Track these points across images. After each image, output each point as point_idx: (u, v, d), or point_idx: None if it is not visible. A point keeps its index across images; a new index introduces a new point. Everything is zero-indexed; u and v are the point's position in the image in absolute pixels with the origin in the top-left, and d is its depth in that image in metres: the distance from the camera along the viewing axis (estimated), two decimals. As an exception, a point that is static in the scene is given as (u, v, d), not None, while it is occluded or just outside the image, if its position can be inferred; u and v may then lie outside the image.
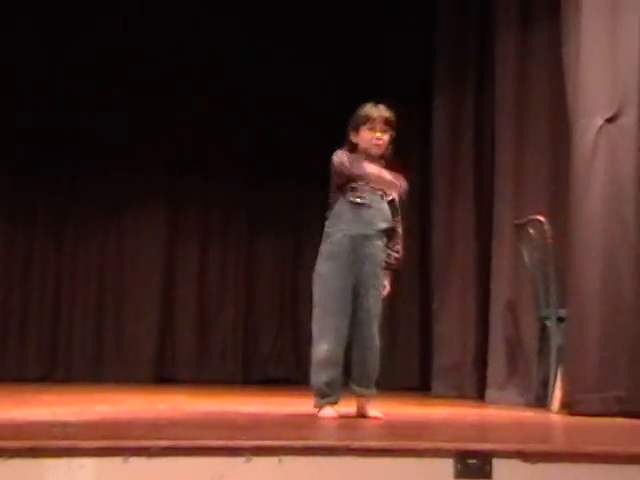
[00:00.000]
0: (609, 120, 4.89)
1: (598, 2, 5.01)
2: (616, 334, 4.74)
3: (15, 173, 8.26)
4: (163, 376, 8.19)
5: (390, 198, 4.30)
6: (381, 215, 4.25)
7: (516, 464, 2.74)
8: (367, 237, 4.21)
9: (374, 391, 4.29)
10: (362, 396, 4.27)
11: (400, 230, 4.36)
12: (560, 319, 5.40)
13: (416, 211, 7.27)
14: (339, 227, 4.23)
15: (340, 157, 4.25)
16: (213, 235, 8.58)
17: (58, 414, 4.03)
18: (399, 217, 4.36)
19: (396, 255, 4.32)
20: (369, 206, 4.22)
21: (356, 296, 4.20)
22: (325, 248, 4.25)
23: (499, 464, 2.74)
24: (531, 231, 5.71)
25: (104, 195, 8.39)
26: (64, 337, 8.23)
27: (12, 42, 8.18)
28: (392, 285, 4.35)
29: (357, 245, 4.20)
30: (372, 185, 4.25)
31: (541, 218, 5.62)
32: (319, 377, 4.18)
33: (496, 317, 6.23)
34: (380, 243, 4.25)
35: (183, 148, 8.47)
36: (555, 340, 5.45)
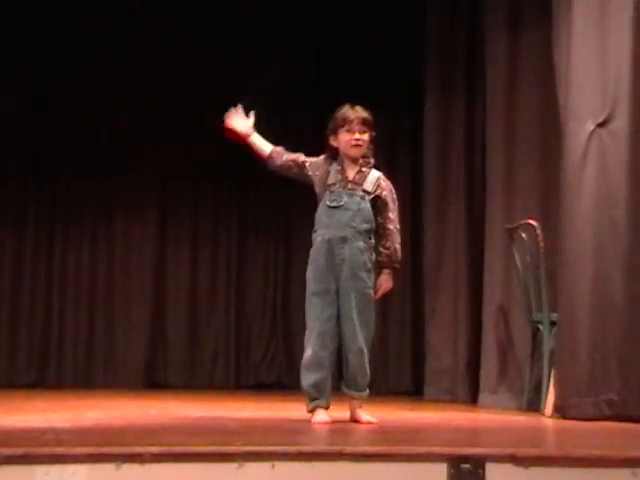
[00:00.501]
0: (600, 125, 4.89)
1: (589, 3, 5.02)
2: (607, 337, 4.74)
3: (4, 177, 8.23)
4: (154, 381, 8.17)
5: (374, 196, 4.29)
6: (361, 216, 4.25)
7: (509, 468, 2.75)
8: (344, 239, 4.21)
9: (364, 393, 4.29)
10: (353, 398, 4.28)
11: (391, 226, 4.33)
12: (552, 323, 5.41)
13: (407, 214, 7.25)
14: (319, 231, 4.28)
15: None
16: (203, 240, 8.56)
17: (51, 420, 4.02)
18: (389, 214, 4.32)
19: (386, 252, 4.30)
20: (346, 208, 4.23)
21: (339, 298, 4.22)
22: (310, 252, 4.30)
23: (492, 468, 2.74)
24: (523, 235, 5.72)
25: (94, 200, 8.36)
26: (55, 343, 8.19)
27: (3, 43, 8.14)
28: (394, 282, 4.35)
29: (334, 248, 4.22)
30: (351, 186, 4.26)
31: (533, 222, 5.64)
32: (306, 379, 4.22)
33: (488, 321, 6.22)
34: (362, 244, 4.24)
35: (173, 153, 8.44)
36: (547, 344, 5.46)
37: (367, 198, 4.27)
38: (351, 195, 4.26)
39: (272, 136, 8.31)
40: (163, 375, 8.27)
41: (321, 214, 4.28)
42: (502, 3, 6.32)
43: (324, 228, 4.25)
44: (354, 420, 4.24)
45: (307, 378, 4.20)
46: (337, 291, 4.22)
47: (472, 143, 6.90)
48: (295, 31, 8.48)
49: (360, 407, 4.28)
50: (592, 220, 4.86)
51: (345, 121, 4.28)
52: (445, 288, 6.89)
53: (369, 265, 4.26)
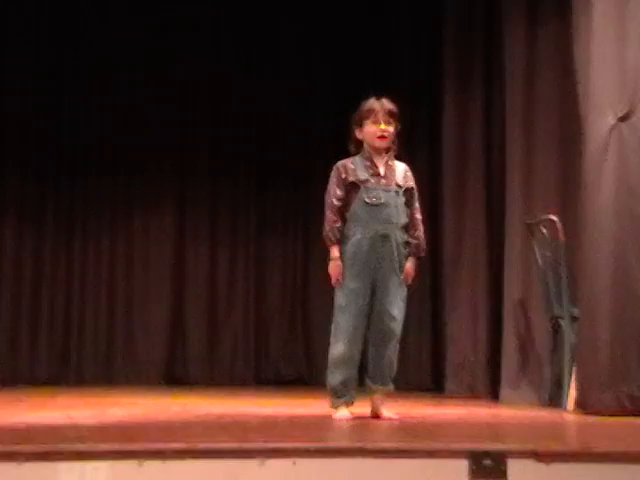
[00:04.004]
0: (621, 119, 4.86)
1: (608, -2, 5.00)
2: (628, 332, 4.72)
3: (25, 175, 8.27)
4: (174, 378, 8.19)
5: (404, 189, 4.30)
6: (398, 211, 4.26)
7: (531, 464, 2.74)
8: (386, 236, 4.22)
9: (391, 387, 4.30)
10: (378, 392, 4.27)
11: (418, 216, 4.36)
12: (573, 317, 5.38)
13: (425, 208, 7.21)
14: (356, 229, 4.23)
15: (330, 188, 4.28)
16: (222, 236, 8.58)
17: (73, 417, 4.04)
18: (416, 204, 4.36)
19: (415, 242, 4.32)
20: (386, 205, 4.23)
21: (375, 294, 4.22)
22: (343, 250, 4.25)
23: (514, 464, 2.73)
24: (543, 230, 5.70)
25: (113, 195, 8.40)
26: (75, 339, 8.24)
27: (24, 38, 8.20)
28: (417, 272, 4.35)
29: (375, 245, 4.21)
30: (385, 182, 4.26)
31: (553, 217, 5.61)
32: (335, 377, 4.21)
33: (508, 316, 6.20)
34: (400, 240, 4.26)
35: (191, 150, 8.49)
36: (568, 338, 5.43)
37: (400, 192, 4.28)
38: (387, 191, 4.25)
39: (290, 133, 8.42)
40: (183, 371, 8.30)
41: (359, 211, 4.24)
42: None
43: (363, 226, 4.22)
44: (375, 416, 4.24)
45: (336, 376, 4.21)
46: (372, 287, 4.22)
47: (491, 136, 6.87)
48: (309, 25, 8.51)
49: (382, 403, 4.28)
50: (612, 214, 4.83)
51: (371, 112, 4.27)
52: (465, 283, 6.87)
53: (403, 260, 4.29)
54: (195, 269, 8.51)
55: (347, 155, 4.37)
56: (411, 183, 4.35)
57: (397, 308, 4.26)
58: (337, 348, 4.20)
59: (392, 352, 4.26)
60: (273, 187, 8.61)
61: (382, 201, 4.22)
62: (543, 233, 5.70)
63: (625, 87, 4.89)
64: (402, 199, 4.28)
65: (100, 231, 8.41)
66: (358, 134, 4.33)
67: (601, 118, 4.93)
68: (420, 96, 7.88)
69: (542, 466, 2.74)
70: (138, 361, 8.22)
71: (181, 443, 2.75)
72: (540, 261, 5.74)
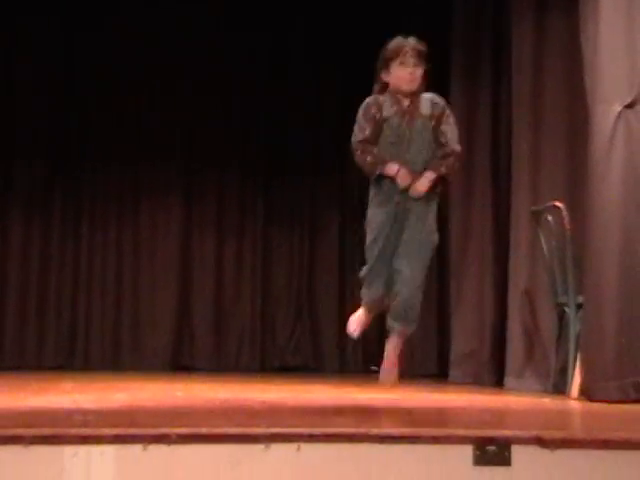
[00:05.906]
0: (628, 106, 4.86)
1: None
2: (634, 321, 4.72)
3: (32, 166, 8.28)
4: (181, 365, 8.21)
5: (432, 116, 4.05)
6: (424, 145, 4.03)
7: (535, 451, 2.75)
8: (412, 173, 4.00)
9: (412, 326, 4.12)
10: (395, 332, 4.10)
11: (455, 147, 4.06)
12: (579, 306, 5.38)
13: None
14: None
15: (356, 128, 4.08)
16: (229, 225, 8.57)
17: (78, 402, 4.05)
18: (450, 134, 4.07)
19: (436, 160, 4.04)
20: (409, 141, 4.01)
21: (402, 235, 4.05)
22: (371, 194, 4.10)
23: (518, 451, 2.74)
24: (549, 218, 5.69)
25: (120, 188, 8.40)
26: (82, 326, 8.25)
27: (30, 34, 8.21)
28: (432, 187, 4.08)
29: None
30: (409, 118, 4.03)
31: (559, 205, 5.61)
32: (364, 293, 4.20)
33: (514, 304, 6.20)
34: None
35: (198, 141, 8.48)
36: (574, 327, 5.44)
37: (427, 124, 4.03)
38: (411, 126, 4.01)
39: (298, 128, 8.41)
40: (189, 359, 8.31)
41: (382, 151, 4.01)
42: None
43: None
44: (388, 365, 4.10)
45: (365, 292, 4.16)
46: (400, 229, 4.05)
47: (498, 128, 6.85)
48: (318, 25, 8.50)
49: (396, 347, 4.12)
50: (619, 202, 4.83)
51: (398, 53, 4.04)
52: (471, 272, 6.86)
53: (431, 196, 4.10)
54: (202, 259, 8.51)
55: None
56: (439, 110, 4.07)
57: (422, 251, 4.10)
58: (364, 292, 4.16)
59: (412, 294, 4.04)
60: (281, 179, 8.59)
61: (407, 138, 4.01)
62: (549, 221, 5.69)
63: (633, 76, 4.87)
64: (429, 132, 4.04)
65: (107, 221, 8.42)
66: (384, 76, 4.09)
67: (608, 107, 4.92)
68: (428, 87, 7.86)
69: (546, 452, 2.75)
70: (145, 350, 8.24)
71: (186, 428, 2.77)
72: (546, 249, 5.74)
